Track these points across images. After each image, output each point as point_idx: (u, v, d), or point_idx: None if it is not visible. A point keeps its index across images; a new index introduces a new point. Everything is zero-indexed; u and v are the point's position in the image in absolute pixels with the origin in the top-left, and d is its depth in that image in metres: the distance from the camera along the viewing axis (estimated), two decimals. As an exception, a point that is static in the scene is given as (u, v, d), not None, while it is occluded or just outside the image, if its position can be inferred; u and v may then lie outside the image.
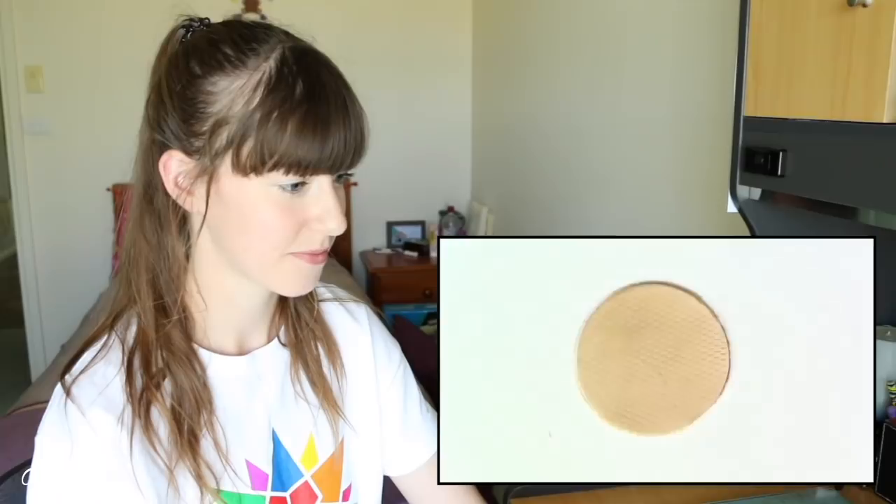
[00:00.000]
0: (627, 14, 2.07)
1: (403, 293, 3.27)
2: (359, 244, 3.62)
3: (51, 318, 3.31)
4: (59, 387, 0.69)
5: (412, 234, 3.62)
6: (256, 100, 0.63)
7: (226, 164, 0.65)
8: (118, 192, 3.16)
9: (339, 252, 3.51)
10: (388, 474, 0.91)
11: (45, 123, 3.19)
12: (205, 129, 0.65)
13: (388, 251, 3.57)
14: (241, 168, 0.64)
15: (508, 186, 3.16)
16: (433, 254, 3.45)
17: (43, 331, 3.34)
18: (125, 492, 0.67)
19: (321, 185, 0.67)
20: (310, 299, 0.83)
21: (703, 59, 1.71)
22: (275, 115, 0.63)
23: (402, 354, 0.93)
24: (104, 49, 3.06)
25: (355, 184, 3.51)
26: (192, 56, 0.67)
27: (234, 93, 0.64)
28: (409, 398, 0.91)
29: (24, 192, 3.23)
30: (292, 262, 0.69)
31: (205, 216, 0.69)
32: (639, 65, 2.01)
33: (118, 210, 3.17)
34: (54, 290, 3.31)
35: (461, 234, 3.50)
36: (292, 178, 0.65)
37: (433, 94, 3.57)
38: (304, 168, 0.64)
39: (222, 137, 0.65)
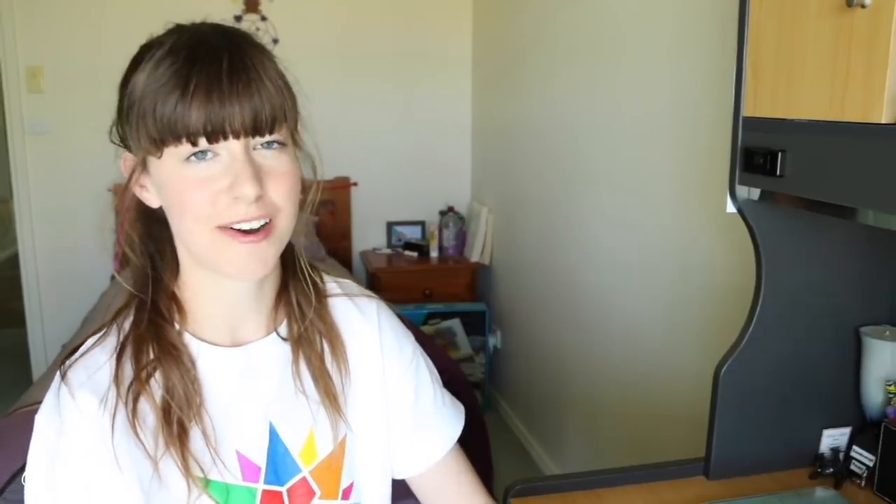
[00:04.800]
0: (627, 15, 2.07)
1: (403, 293, 3.27)
2: (359, 244, 3.62)
3: (52, 318, 3.32)
4: (58, 371, 0.73)
5: (412, 234, 3.62)
6: (147, 79, 0.67)
7: (144, 151, 0.69)
8: (119, 192, 3.15)
9: (339, 252, 3.51)
10: (400, 476, 0.90)
11: (45, 123, 3.19)
12: (126, 123, 0.70)
13: (388, 251, 3.57)
14: (149, 150, 0.68)
15: (508, 186, 3.17)
16: (433, 254, 3.45)
17: (44, 331, 3.34)
18: (107, 472, 0.70)
19: (231, 152, 0.68)
20: (308, 293, 0.83)
21: (702, 59, 1.71)
22: (152, 87, 0.66)
23: (417, 347, 0.92)
24: (104, 49, 3.07)
25: (355, 184, 3.52)
26: (129, 66, 0.71)
27: (139, 81, 0.68)
28: (422, 392, 0.89)
29: (25, 192, 3.23)
30: (224, 241, 0.69)
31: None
32: (638, 65, 2.01)
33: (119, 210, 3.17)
34: (55, 290, 3.31)
35: (461, 234, 3.50)
36: (190, 150, 0.67)
37: (433, 94, 3.57)
38: (186, 134, 0.66)
39: (134, 126, 0.68)
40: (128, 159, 0.73)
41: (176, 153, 0.67)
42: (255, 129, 0.67)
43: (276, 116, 0.68)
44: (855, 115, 0.81)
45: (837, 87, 0.83)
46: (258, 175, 0.68)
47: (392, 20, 3.45)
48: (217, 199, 0.68)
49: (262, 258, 0.71)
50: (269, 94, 0.68)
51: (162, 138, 0.66)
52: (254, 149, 0.69)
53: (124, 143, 0.73)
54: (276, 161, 0.70)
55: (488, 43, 3.37)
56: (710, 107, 1.67)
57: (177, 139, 0.66)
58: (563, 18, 2.50)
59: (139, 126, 0.67)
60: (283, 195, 0.70)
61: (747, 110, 0.99)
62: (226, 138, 0.67)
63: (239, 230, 0.69)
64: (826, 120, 0.85)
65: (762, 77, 0.96)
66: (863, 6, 0.78)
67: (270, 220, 0.70)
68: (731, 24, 1.04)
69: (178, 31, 0.70)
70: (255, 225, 0.69)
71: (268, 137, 0.69)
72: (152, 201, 0.73)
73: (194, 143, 0.66)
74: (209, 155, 0.67)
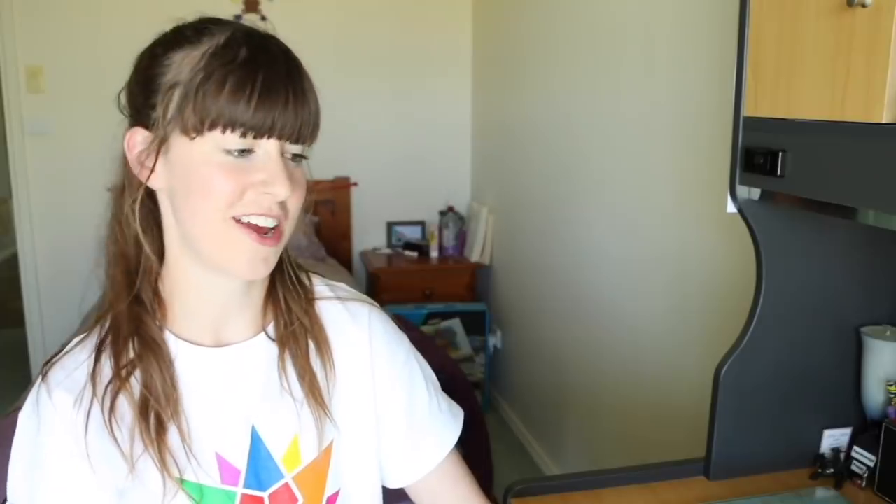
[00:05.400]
0: (627, 14, 2.07)
1: (403, 293, 3.28)
2: (359, 244, 3.62)
3: (51, 318, 3.32)
4: (40, 370, 0.75)
5: (412, 234, 3.62)
6: (202, 64, 0.67)
7: (176, 128, 0.69)
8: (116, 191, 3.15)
9: (339, 252, 3.51)
10: (397, 485, 0.89)
11: (45, 123, 3.19)
12: (159, 98, 0.69)
13: (388, 251, 3.57)
14: (185, 129, 0.68)
15: (508, 186, 3.17)
16: (433, 254, 3.45)
17: (43, 331, 3.34)
18: (80, 470, 0.71)
19: (268, 152, 0.69)
20: (298, 293, 0.83)
21: (702, 60, 1.71)
22: (215, 75, 0.67)
23: (411, 353, 0.90)
24: (104, 49, 3.07)
25: (355, 184, 3.52)
26: (158, 42, 0.72)
27: (185, 62, 0.68)
28: (417, 398, 0.88)
29: (25, 192, 3.23)
30: (237, 235, 0.70)
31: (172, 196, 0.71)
32: (638, 65, 2.01)
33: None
34: (55, 290, 3.31)
35: (461, 234, 3.50)
36: (234, 140, 0.67)
37: (433, 93, 3.57)
38: (242, 128, 0.67)
39: (172, 103, 0.68)
40: (137, 133, 0.72)
41: (214, 138, 0.68)
42: (299, 136, 0.70)
43: (315, 127, 0.72)
44: (855, 115, 0.81)
45: (838, 87, 0.83)
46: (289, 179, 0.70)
47: (392, 20, 3.45)
48: (245, 191, 0.69)
49: (268, 259, 0.73)
50: (316, 106, 0.72)
51: (213, 123, 0.67)
52: (282, 152, 0.71)
53: (137, 114, 0.72)
54: (296, 170, 0.73)
55: (488, 43, 3.37)
56: (710, 107, 1.67)
57: (228, 128, 0.67)
58: (564, 18, 2.50)
59: (183, 104, 0.67)
60: (295, 203, 0.73)
61: (747, 110, 0.99)
62: (270, 137, 0.69)
63: (256, 229, 0.70)
64: (826, 120, 0.85)
65: (762, 77, 0.96)
66: (863, 6, 0.78)
67: (279, 225, 0.72)
68: (731, 24, 1.04)
69: (221, 22, 0.71)
70: (270, 223, 0.71)
71: (300, 148, 0.72)
72: (154, 181, 0.73)
73: (243, 136, 0.68)
74: (248, 147, 0.69)
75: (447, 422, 0.90)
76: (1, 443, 1.36)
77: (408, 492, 0.91)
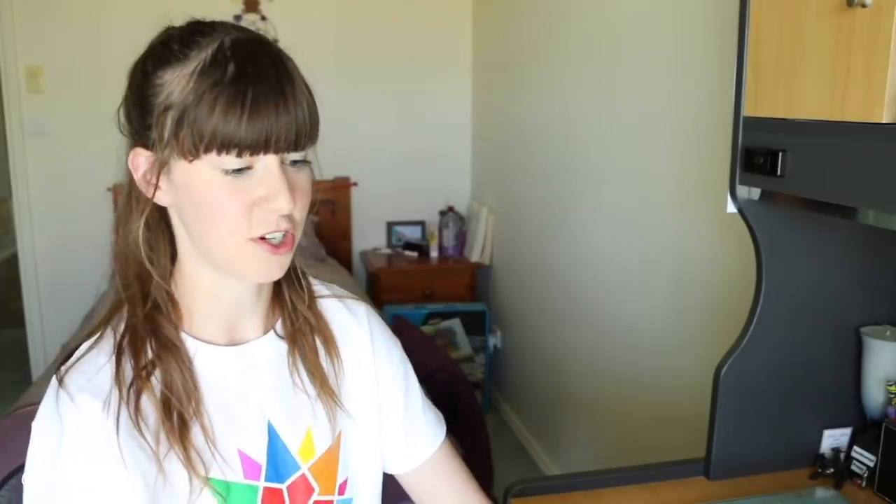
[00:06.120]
0: (627, 14, 2.07)
1: (403, 293, 3.28)
2: (359, 244, 3.62)
3: (51, 318, 3.32)
4: (54, 378, 0.73)
5: (412, 234, 3.62)
6: (191, 84, 0.66)
7: (173, 152, 0.68)
8: (118, 192, 3.14)
9: (339, 252, 3.51)
10: (391, 472, 0.92)
11: (45, 123, 3.19)
12: (154, 120, 0.69)
13: (388, 251, 3.57)
14: (182, 153, 0.67)
15: (508, 186, 3.17)
16: (433, 254, 3.45)
17: (43, 331, 3.34)
18: (113, 473, 0.70)
19: (267, 166, 0.69)
20: (300, 289, 0.84)
21: (702, 59, 1.71)
22: (204, 98, 0.66)
23: (403, 353, 0.94)
24: (104, 49, 3.07)
25: (355, 184, 3.52)
26: (148, 57, 0.71)
27: (174, 82, 0.67)
28: (411, 397, 0.92)
29: (25, 192, 3.23)
30: (257, 252, 0.71)
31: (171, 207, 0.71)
32: (638, 65, 2.01)
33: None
34: (55, 290, 3.31)
35: (461, 234, 3.50)
36: (231, 161, 0.67)
37: (433, 94, 3.57)
38: (237, 147, 0.66)
39: (167, 125, 0.68)
40: (140, 155, 0.72)
41: (212, 160, 0.67)
42: (296, 144, 0.69)
43: (312, 131, 0.71)
44: (855, 115, 0.81)
45: (838, 87, 0.83)
46: (291, 189, 0.69)
47: (392, 20, 3.45)
48: (251, 210, 0.69)
49: (283, 264, 0.74)
50: (311, 110, 0.70)
51: (207, 146, 0.66)
52: (282, 162, 0.70)
53: (137, 135, 0.72)
54: (299, 175, 0.72)
55: (488, 43, 3.37)
56: (710, 107, 1.67)
57: (223, 150, 0.66)
58: (564, 18, 2.50)
59: (177, 129, 0.67)
60: (302, 211, 0.73)
61: (747, 110, 0.99)
62: (267, 153, 0.68)
63: (271, 243, 0.71)
64: (826, 120, 0.85)
65: (762, 77, 0.96)
66: (863, 6, 0.78)
67: (289, 231, 0.72)
68: (731, 24, 1.04)
69: (210, 30, 0.69)
70: (279, 236, 0.71)
71: (301, 154, 0.71)
72: (161, 199, 0.73)
73: (239, 156, 0.67)
74: (246, 165, 0.68)
75: (434, 420, 0.95)
76: (1, 443, 1.36)
77: (406, 488, 0.93)
